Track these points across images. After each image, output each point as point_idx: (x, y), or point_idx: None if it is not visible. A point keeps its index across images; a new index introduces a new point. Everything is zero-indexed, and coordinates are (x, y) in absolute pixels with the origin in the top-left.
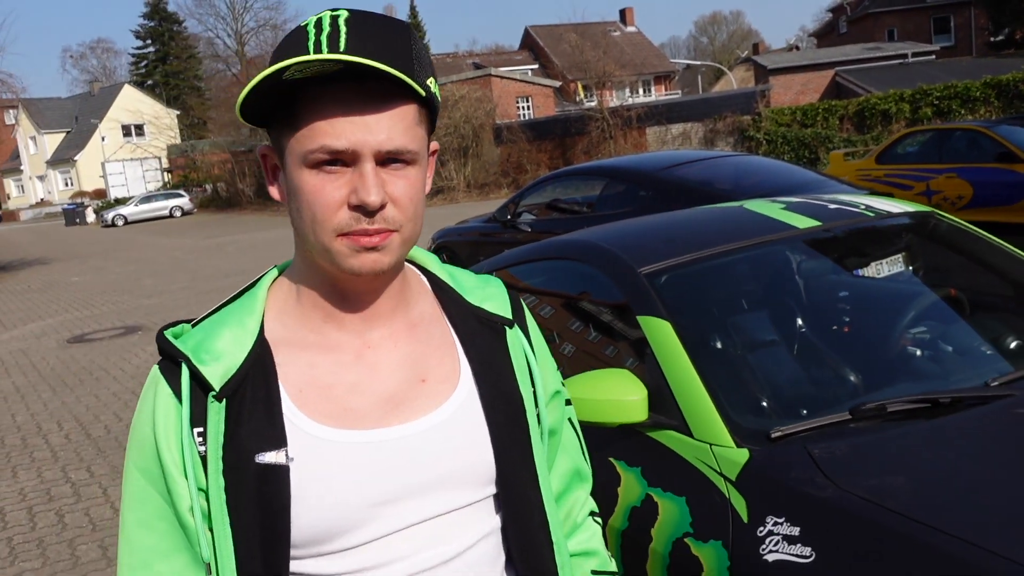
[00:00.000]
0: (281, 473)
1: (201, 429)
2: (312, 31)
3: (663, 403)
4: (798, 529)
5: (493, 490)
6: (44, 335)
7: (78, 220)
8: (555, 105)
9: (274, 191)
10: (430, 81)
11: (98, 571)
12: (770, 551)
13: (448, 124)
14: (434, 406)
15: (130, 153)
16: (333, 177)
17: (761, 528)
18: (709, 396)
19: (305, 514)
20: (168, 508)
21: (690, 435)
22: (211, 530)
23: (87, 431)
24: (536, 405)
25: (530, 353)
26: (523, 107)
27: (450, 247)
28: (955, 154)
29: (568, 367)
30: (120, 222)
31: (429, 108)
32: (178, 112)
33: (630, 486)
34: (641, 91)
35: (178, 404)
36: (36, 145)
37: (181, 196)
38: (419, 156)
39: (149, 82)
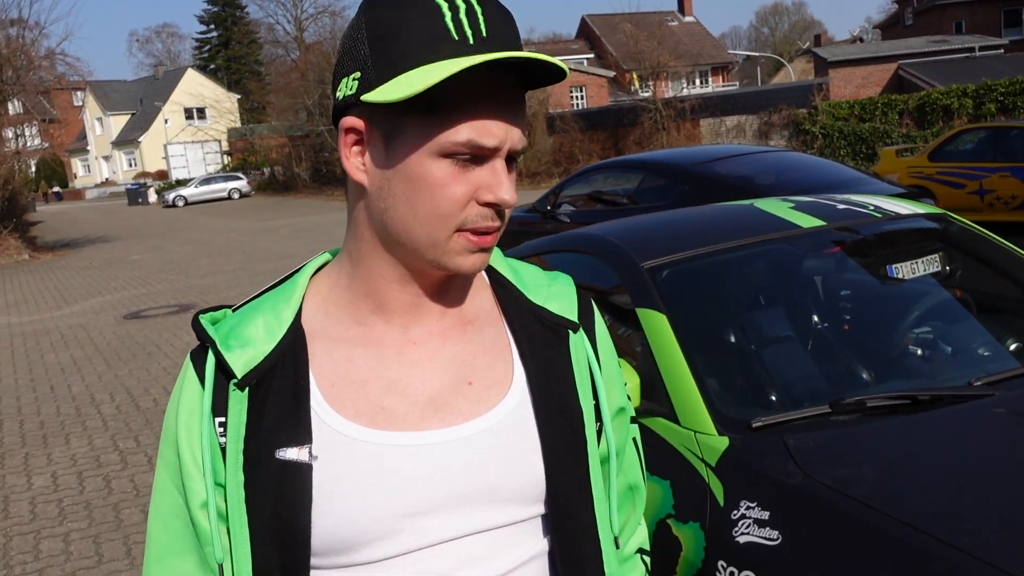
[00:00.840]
0: (302, 472)
1: (223, 419)
2: (445, 7)
3: (655, 391)
4: (768, 513)
5: (541, 510)
6: (103, 311)
7: (140, 200)
8: (609, 95)
9: (358, 171)
10: None
11: (139, 533)
12: (742, 533)
13: None
14: (480, 412)
15: (192, 136)
16: (464, 170)
17: (735, 512)
18: (697, 386)
19: (326, 518)
20: (182, 504)
21: (677, 423)
22: (228, 529)
23: (137, 403)
24: (597, 420)
25: (594, 362)
26: (576, 97)
27: None
28: (1011, 153)
29: None
30: (180, 203)
31: None
32: (239, 96)
33: None
34: (697, 82)
35: (201, 391)
36: (102, 126)
37: (239, 179)
38: None
39: (211, 66)
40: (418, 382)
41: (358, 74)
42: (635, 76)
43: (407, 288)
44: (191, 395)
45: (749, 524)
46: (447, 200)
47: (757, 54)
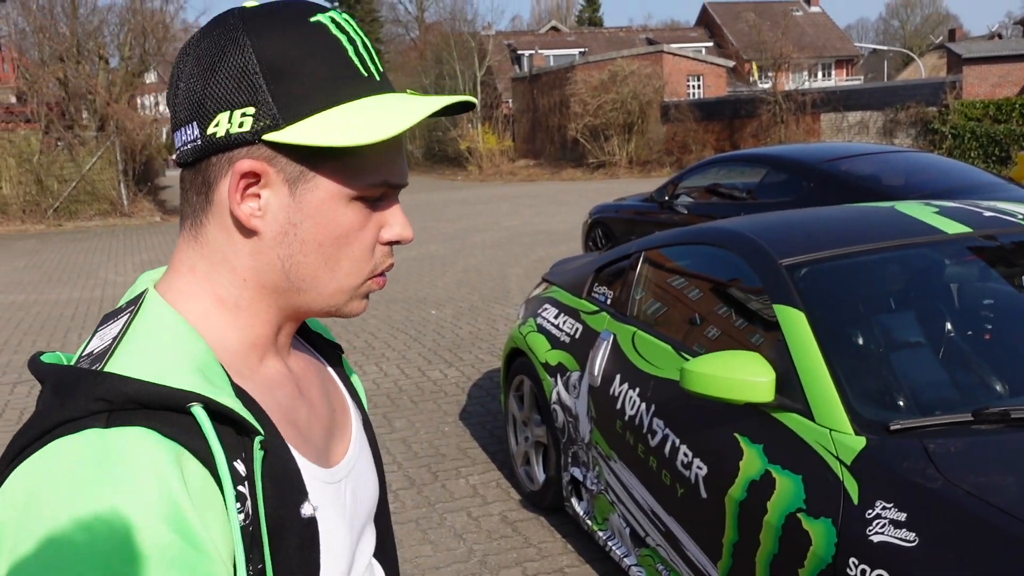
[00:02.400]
0: (314, 528)
1: (240, 490)
2: (344, 40)
3: (790, 387)
4: (905, 515)
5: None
6: None
7: None
8: (727, 86)
9: (252, 217)
10: None
11: None
12: (876, 533)
13: (615, 99)
14: (348, 436)
15: None
16: (369, 211)
17: (870, 511)
18: (834, 385)
19: (330, 571)
20: None
21: (812, 419)
22: None
23: None
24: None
25: (357, 380)
26: (693, 86)
27: (605, 223)
28: None
29: (707, 348)
30: None
31: None
32: None
33: (751, 461)
34: (820, 75)
35: (201, 467)
36: None
37: None
38: None
39: None
40: (319, 416)
41: (251, 109)
42: (755, 66)
43: (282, 333)
44: (182, 477)
45: (884, 524)
46: (360, 245)
47: (885, 48)
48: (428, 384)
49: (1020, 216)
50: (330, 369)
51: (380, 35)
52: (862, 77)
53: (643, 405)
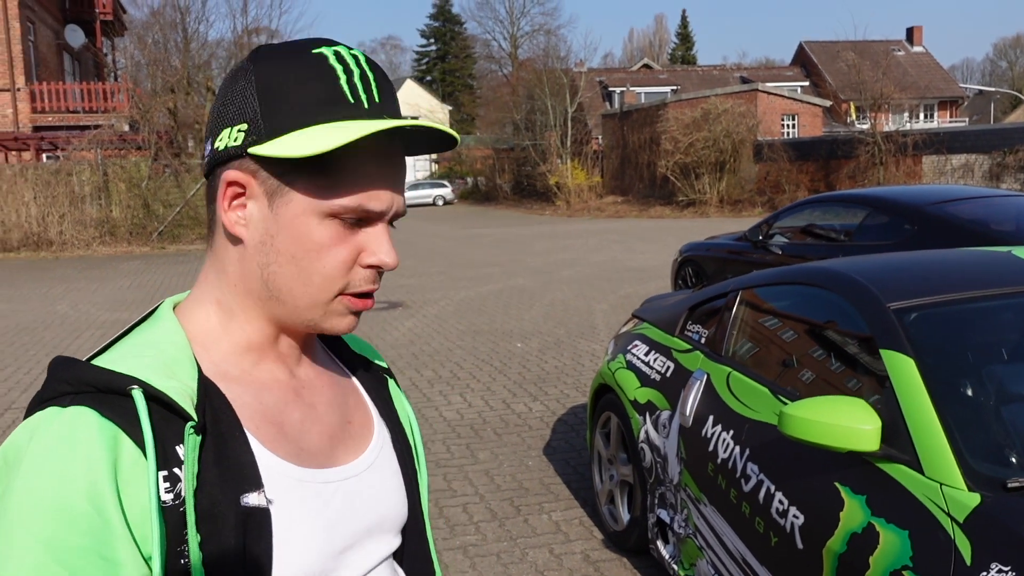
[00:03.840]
0: (263, 518)
1: (166, 473)
2: (339, 70)
3: (897, 437)
4: None
5: (399, 539)
6: None
7: None
8: (823, 125)
9: (237, 224)
10: None
11: None
12: None
13: (707, 137)
14: (362, 448)
15: None
16: (350, 232)
17: (984, 573)
18: (946, 436)
19: (285, 564)
20: None
21: (921, 472)
22: None
23: None
24: (418, 455)
25: (407, 405)
26: (788, 125)
27: (696, 261)
28: None
29: (805, 392)
30: None
31: None
32: (450, 108)
33: (853, 512)
34: (922, 116)
35: (135, 447)
36: None
37: (444, 186)
38: None
39: (428, 78)
40: (318, 422)
41: (244, 126)
42: (852, 106)
43: (282, 341)
44: (111, 458)
45: None
46: (332, 262)
47: (992, 89)
48: (512, 417)
49: None
50: (358, 385)
51: (473, 70)
52: (967, 119)
53: (737, 448)
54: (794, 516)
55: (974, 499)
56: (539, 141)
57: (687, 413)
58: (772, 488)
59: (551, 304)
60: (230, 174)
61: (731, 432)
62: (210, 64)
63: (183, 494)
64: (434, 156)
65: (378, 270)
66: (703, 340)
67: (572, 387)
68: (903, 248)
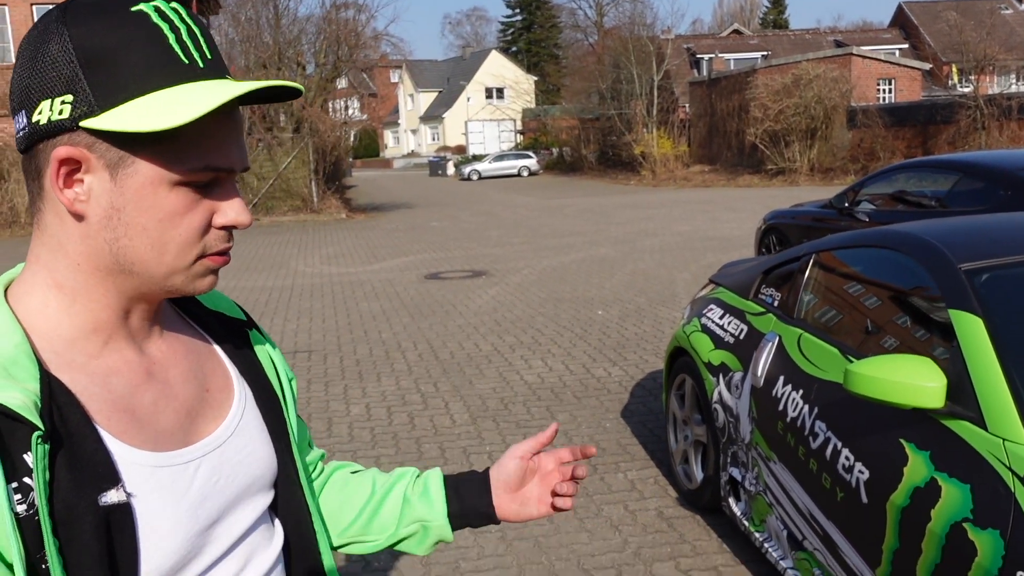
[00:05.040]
0: (125, 514)
1: (16, 484)
2: (166, 28)
3: (962, 395)
4: None
5: (272, 493)
6: (406, 270)
7: (440, 172)
8: (922, 89)
9: (76, 202)
10: None
11: (437, 466)
12: None
13: (798, 103)
14: (224, 414)
15: (490, 114)
16: (200, 196)
17: None
18: (1011, 393)
19: (153, 555)
20: None
21: (985, 428)
22: None
23: (436, 353)
24: (285, 401)
25: (273, 352)
26: (884, 90)
27: (780, 229)
28: None
29: (874, 352)
30: (475, 176)
31: None
32: (535, 78)
33: (916, 467)
34: None
35: None
36: (412, 102)
37: (529, 157)
38: None
39: (513, 48)
40: (173, 399)
41: (69, 97)
42: (954, 69)
43: (133, 315)
44: None
45: None
46: (187, 229)
47: None
48: (592, 381)
49: None
50: (216, 348)
51: (558, 40)
52: None
53: (806, 407)
54: (859, 472)
55: None
56: (624, 110)
57: (759, 374)
58: (839, 445)
59: (632, 273)
60: (62, 151)
61: (800, 392)
62: (300, 40)
63: (37, 503)
64: (519, 128)
65: (230, 229)
66: (776, 303)
67: (652, 353)
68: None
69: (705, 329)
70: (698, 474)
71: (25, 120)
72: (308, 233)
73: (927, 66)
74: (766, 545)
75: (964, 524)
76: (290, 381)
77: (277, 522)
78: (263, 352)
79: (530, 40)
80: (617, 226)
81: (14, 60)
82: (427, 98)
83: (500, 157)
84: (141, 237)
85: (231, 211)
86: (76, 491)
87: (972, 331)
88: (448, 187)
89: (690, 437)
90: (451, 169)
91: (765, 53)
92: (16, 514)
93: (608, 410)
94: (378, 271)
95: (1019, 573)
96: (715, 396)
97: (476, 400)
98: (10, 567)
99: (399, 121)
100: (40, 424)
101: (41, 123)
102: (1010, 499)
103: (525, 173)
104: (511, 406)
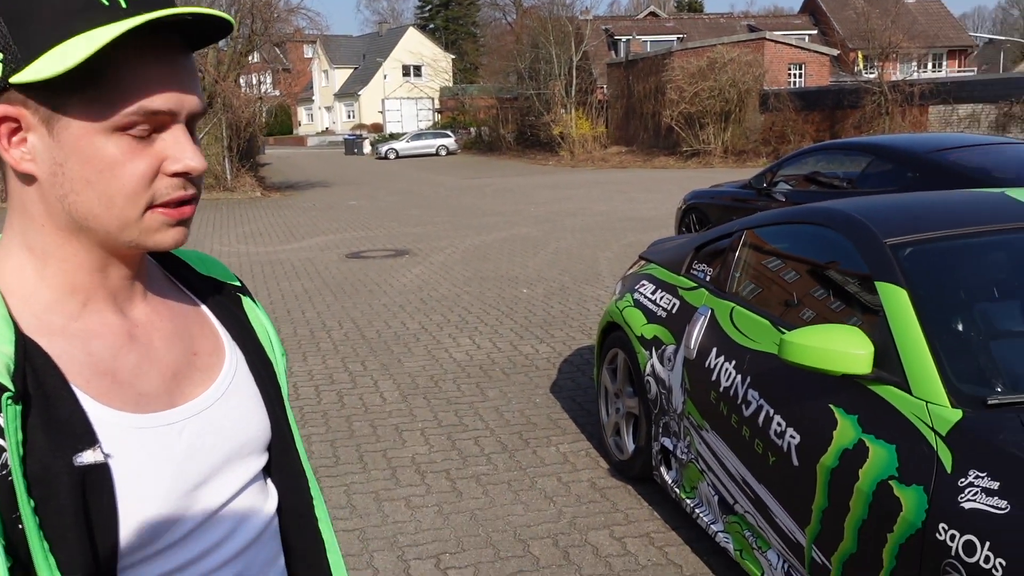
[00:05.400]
0: (102, 474)
1: None
2: None
3: (888, 361)
4: (998, 483)
5: (266, 455)
6: (327, 249)
7: (356, 150)
8: (830, 75)
9: (24, 161)
10: None
11: (369, 443)
12: (968, 500)
13: (713, 87)
14: (213, 378)
15: (407, 92)
16: (145, 143)
17: (963, 479)
18: (933, 359)
19: (132, 516)
20: None
21: (909, 392)
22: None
23: (362, 332)
24: (278, 367)
25: (264, 319)
26: (795, 75)
27: (700, 209)
28: None
29: (804, 323)
30: (392, 155)
31: None
32: (453, 56)
33: (845, 430)
34: (930, 66)
35: None
36: (327, 79)
37: (448, 136)
38: None
39: (431, 26)
40: (157, 362)
41: (0, 55)
42: (860, 56)
43: (110, 274)
44: None
45: (976, 492)
46: (130, 178)
47: (1002, 38)
48: (520, 358)
49: None
50: (207, 311)
51: (477, 18)
52: (975, 69)
53: (739, 377)
54: (791, 436)
55: (956, 415)
56: (543, 91)
57: (691, 346)
58: (771, 412)
59: (555, 252)
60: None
61: (733, 362)
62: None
63: (9, 464)
64: (437, 106)
65: (186, 176)
66: (708, 278)
67: (577, 330)
68: None
69: (638, 304)
70: (630, 445)
71: None
72: (222, 211)
73: (835, 52)
74: (697, 511)
75: (890, 482)
76: (282, 356)
77: (272, 486)
78: (256, 318)
79: (448, 17)
80: (537, 206)
81: None
82: (342, 75)
83: (418, 136)
84: (87, 191)
85: (183, 156)
86: (52, 452)
87: (897, 301)
88: (365, 166)
89: (622, 410)
90: (367, 148)
91: (681, 36)
92: None
93: (537, 386)
94: (297, 250)
95: (941, 526)
96: (648, 369)
97: (406, 378)
98: None
99: (313, 98)
100: (11, 386)
101: None
102: (933, 457)
103: (443, 152)
104: (441, 383)
